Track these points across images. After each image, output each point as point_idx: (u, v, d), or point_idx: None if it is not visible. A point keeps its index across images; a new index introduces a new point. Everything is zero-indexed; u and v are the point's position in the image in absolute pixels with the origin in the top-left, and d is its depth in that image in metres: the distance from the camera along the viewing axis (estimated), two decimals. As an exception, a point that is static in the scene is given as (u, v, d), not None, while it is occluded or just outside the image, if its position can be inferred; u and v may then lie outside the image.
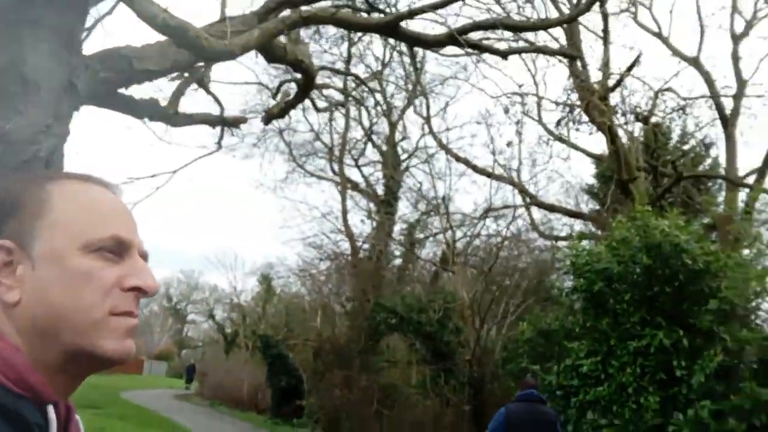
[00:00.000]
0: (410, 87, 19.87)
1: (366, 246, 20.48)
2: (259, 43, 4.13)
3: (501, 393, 10.49)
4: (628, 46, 18.40)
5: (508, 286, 12.20)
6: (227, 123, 5.79)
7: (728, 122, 16.16)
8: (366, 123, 21.20)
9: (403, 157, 21.40)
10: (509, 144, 14.48)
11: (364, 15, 6.25)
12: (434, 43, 5.63)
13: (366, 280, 17.90)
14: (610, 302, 7.66)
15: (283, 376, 18.97)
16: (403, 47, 14.71)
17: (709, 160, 18.73)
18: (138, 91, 4.36)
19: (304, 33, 9.78)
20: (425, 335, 13.16)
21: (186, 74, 5.56)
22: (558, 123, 13.62)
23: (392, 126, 21.29)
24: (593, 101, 11.26)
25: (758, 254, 6.72)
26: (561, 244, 13.01)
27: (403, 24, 5.38)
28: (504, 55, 6.21)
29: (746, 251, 6.95)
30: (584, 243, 8.57)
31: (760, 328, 6.96)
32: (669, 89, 13.29)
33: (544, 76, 18.10)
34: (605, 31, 12.82)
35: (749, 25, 16.13)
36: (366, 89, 17.48)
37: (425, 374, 13.11)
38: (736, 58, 16.26)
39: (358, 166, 21.31)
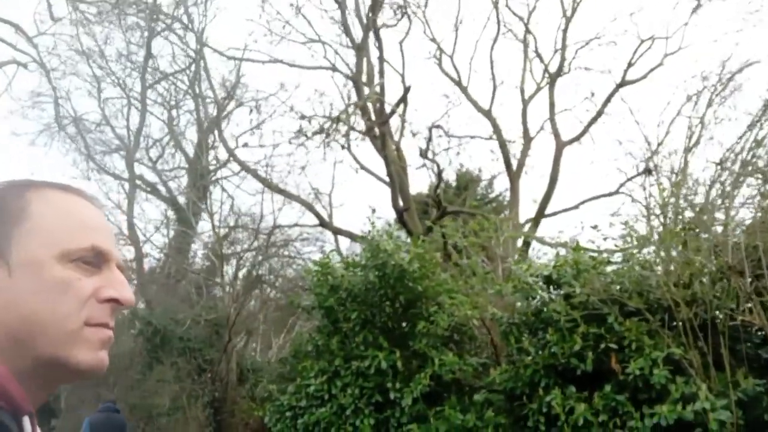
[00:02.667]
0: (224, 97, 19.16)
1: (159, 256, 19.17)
2: None
3: (242, 414, 9.93)
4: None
5: (269, 301, 11.78)
6: None
7: (512, 173, 17.45)
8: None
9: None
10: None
11: None
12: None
13: (148, 292, 16.62)
14: (341, 321, 7.49)
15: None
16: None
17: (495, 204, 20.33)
18: None
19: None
20: (189, 351, 12.29)
21: None
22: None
23: (203, 133, 20.25)
24: (373, 129, 11.36)
25: (484, 282, 6.88)
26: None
27: None
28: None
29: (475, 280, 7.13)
30: (336, 259, 8.37)
31: (474, 353, 7.13)
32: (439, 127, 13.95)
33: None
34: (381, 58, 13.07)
35: (539, 88, 17.66)
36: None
37: (184, 393, 12.17)
38: (524, 116, 17.69)
39: (155, 168, 19.94)
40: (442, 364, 6.51)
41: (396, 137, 15.74)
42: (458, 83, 17.68)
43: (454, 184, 21.55)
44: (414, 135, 14.17)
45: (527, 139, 18.16)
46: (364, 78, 12.12)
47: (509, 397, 6.12)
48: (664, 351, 5.12)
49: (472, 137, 15.16)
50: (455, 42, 17.15)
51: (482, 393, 6.25)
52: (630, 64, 15.69)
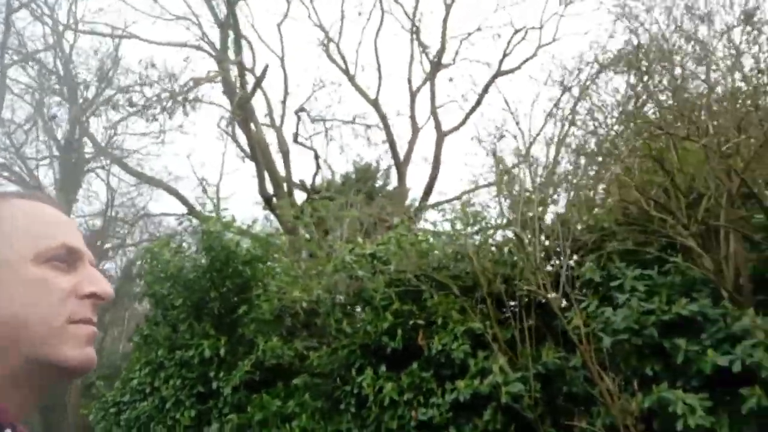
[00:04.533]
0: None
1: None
2: None
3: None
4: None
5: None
6: None
7: (399, 163, 17.45)
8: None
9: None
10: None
11: None
12: None
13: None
14: (169, 309, 7.03)
15: None
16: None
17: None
18: None
19: None
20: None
21: None
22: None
23: (74, 120, 18.92)
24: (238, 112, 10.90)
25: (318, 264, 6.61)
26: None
27: None
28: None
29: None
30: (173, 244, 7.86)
31: (304, 337, 6.86)
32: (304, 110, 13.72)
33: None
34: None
35: (426, 79, 17.73)
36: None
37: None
38: (413, 106, 17.73)
39: (20, 156, 18.46)
40: (265, 350, 6.19)
41: (278, 122, 15.35)
42: (345, 71, 17.48)
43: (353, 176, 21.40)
44: (299, 119, 13.83)
45: (415, 129, 18.19)
46: (233, 57, 11.61)
47: (328, 379, 5.90)
48: (465, 326, 5.03)
49: (344, 122, 14.93)
50: (341, 29, 16.95)
51: (302, 377, 5.99)
52: (505, 54, 16.05)
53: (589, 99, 6.40)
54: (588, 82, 6.51)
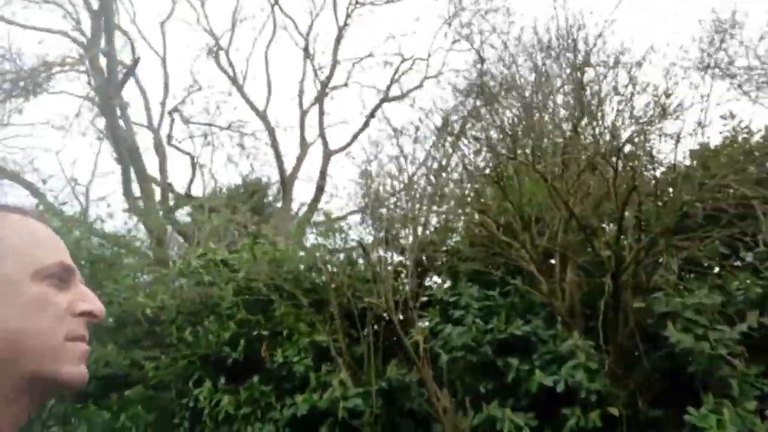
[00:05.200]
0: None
1: None
2: None
3: None
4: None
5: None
6: None
7: (285, 177, 17.26)
8: None
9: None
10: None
11: None
12: None
13: None
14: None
15: None
16: None
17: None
18: None
19: None
20: None
21: None
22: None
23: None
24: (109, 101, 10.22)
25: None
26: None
27: None
28: None
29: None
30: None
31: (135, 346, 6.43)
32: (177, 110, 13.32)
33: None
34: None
35: (318, 97, 17.70)
36: None
37: None
38: (302, 123, 17.62)
39: None
40: (98, 359, 5.71)
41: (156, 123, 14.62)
42: (233, 80, 17.09)
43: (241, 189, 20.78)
44: (172, 120, 13.24)
45: (304, 146, 18.06)
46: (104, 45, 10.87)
47: (165, 392, 5.53)
48: (309, 339, 4.90)
49: (221, 128, 14.55)
50: (231, 38, 16.58)
51: (137, 389, 5.57)
52: (392, 81, 16.39)
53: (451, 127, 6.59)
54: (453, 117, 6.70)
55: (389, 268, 4.77)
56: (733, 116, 6.73)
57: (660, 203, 4.28)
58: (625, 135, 4.64)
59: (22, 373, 0.74)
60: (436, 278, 6.69)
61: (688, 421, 3.39)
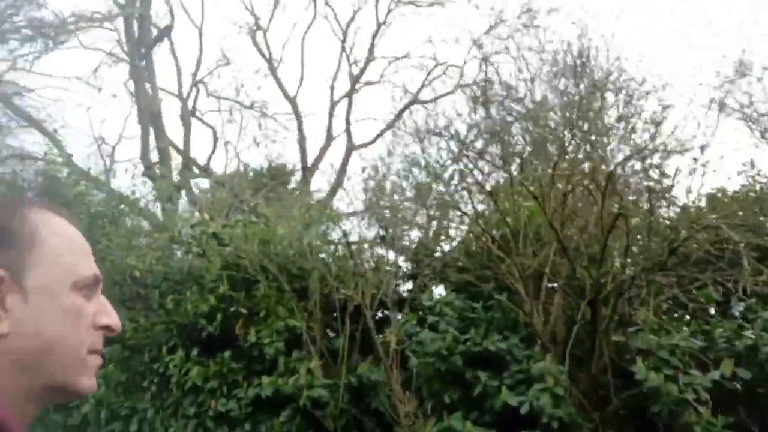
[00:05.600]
0: None
1: None
2: None
3: None
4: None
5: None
6: None
7: (306, 166, 17.39)
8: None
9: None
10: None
11: None
12: None
13: None
14: None
15: None
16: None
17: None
18: None
19: None
20: None
21: None
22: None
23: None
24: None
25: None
26: None
27: None
28: None
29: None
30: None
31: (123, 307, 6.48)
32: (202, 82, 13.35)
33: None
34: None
35: (351, 90, 17.75)
36: None
37: None
38: (331, 114, 17.69)
39: None
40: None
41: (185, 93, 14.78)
42: (269, 61, 17.21)
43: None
44: (197, 91, 13.40)
45: (329, 137, 18.13)
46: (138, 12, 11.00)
47: (140, 354, 5.57)
48: (284, 322, 4.89)
49: (244, 106, 14.61)
50: (271, 18, 16.69)
51: (114, 347, 5.61)
52: (423, 85, 16.33)
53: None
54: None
55: (371, 263, 4.73)
56: (753, 165, 6.60)
57: (655, 238, 4.18)
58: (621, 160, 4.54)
59: (47, 381, 0.75)
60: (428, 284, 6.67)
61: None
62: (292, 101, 17.39)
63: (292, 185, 20.05)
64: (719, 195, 6.35)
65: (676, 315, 4.40)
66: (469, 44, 16.19)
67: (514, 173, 5.07)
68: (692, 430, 3.44)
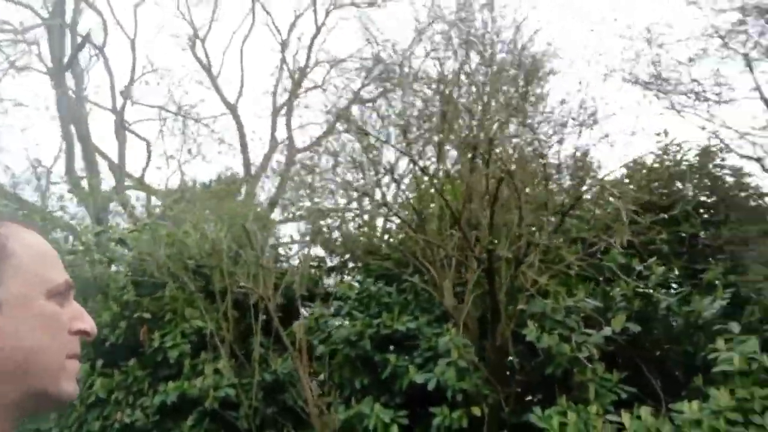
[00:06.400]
0: None
1: None
2: None
3: None
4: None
5: None
6: None
7: (248, 172, 17.13)
8: None
9: None
10: None
11: None
12: None
13: None
14: None
15: None
16: None
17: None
18: None
19: None
20: None
21: None
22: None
23: None
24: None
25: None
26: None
27: None
28: None
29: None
30: None
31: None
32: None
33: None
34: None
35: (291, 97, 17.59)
36: None
37: None
38: (274, 120, 17.50)
39: None
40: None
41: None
42: (208, 71, 16.96)
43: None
44: (124, 101, 13.09)
45: (273, 144, 17.93)
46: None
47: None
48: (188, 324, 4.71)
49: (174, 113, 14.33)
50: (209, 28, 16.48)
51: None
52: (363, 85, 16.29)
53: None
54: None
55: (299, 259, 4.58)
56: (666, 134, 6.71)
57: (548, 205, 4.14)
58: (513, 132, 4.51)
59: (29, 388, 0.74)
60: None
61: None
62: (233, 109, 17.16)
63: (241, 196, 19.70)
64: (637, 167, 6.43)
65: (583, 279, 4.37)
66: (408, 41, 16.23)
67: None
68: (587, 388, 3.39)
